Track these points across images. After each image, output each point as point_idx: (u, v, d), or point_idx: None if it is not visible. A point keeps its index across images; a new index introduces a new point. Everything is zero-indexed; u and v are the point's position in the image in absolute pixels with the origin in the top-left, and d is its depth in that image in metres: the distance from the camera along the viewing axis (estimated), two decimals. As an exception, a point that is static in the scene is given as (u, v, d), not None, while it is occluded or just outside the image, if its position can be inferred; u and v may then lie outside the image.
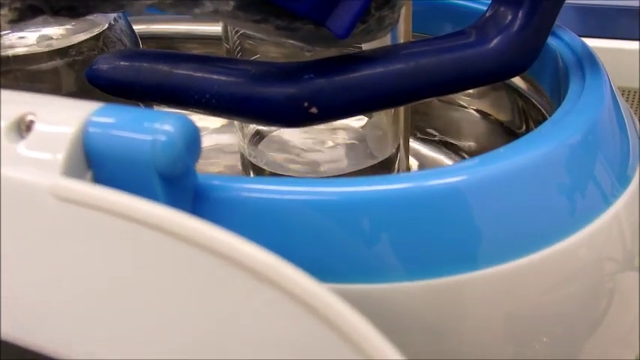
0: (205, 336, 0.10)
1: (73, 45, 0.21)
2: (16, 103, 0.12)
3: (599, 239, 0.15)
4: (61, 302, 0.11)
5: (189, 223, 0.09)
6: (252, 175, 0.22)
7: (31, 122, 0.12)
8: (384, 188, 0.13)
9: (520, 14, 0.16)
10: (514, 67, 0.16)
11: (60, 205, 0.10)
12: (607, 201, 0.15)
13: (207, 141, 0.30)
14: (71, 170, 0.11)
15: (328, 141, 0.22)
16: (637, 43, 0.38)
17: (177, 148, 0.11)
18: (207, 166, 0.28)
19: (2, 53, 0.20)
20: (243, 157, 0.22)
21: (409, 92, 0.15)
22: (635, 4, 0.39)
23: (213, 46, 0.32)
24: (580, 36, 0.21)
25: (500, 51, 0.16)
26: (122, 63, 0.18)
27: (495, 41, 0.16)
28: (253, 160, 0.21)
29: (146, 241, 0.10)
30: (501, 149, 0.15)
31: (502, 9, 0.16)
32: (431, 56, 0.15)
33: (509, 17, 0.16)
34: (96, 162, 0.11)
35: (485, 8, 0.23)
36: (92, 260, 0.10)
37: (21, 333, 0.11)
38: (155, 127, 0.11)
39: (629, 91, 0.40)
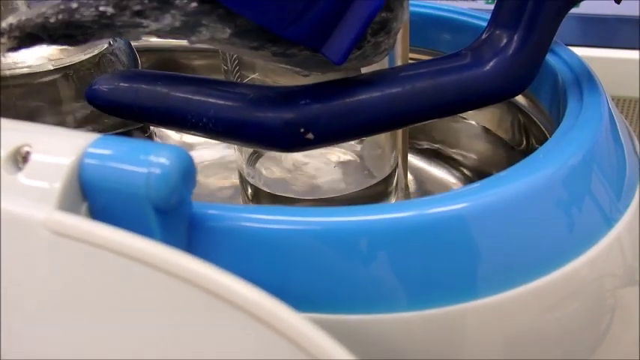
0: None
1: (71, 65, 0.21)
2: (12, 133, 0.12)
3: (601, 260, 0.15)
4: (54, 334, 0.11)
5: (179, 261, 0.09)
6: (249, 192, 0.22)
7: (28, 153, 0.12)
8: (385, 217, 0.13)
9: (516, 37, 0.16)
10: (509, 90, 0.16)
11: (54, 238, 0.10)
12: (608, 223, 0.15)
13: (207, 155, 0.30)
14: (66, 202, 0.11)
15: (326, 160, 0.22)
16: (637, 52, 0.38)
17: (171, 182, 0.11)
18: (211, 181, 0.28)
19: (1, 73, 0.20)
20: (241, 176, 0.22)
21: (406, 116, 0.15)
22: (635, 13, 0.39)
23: (215, 58, 0.32)
24: (580, 45, 0.21)
25: (496, 74, 0.16)
26: (121, 84, 0.18)
27: (491, 64, 0.16)
28: (251, 180, 0.21)
29: (138, 277, 0.10)
30: (502, 173, 0.14)
31: (498, 32, 0.16)
32: (427, 79, 0.15)
33: (505, 40, 0.16)
34: (92, 193, 0.11)
35: (481, 23, 0.23)
36: (85, 294, 0.10)
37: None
38: (150, 159, 0.11)
39: (629, 101, 0.40)
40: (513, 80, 0.16)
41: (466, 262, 0.13)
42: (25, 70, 0.21)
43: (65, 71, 0.21)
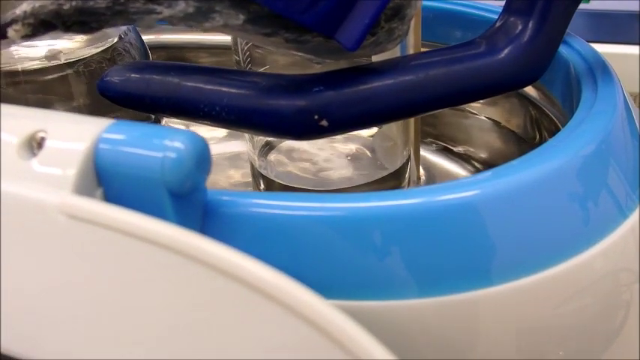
0: (211, 351, 0.10)
1: (82, 58, 0.21)
2: (26, 119, 0.12)
3: (616, 252, 0.15)
4: (70, 319, 0.11)
5: (196, 242, 0.09)
6: (262, 185, 0.22)
7: (43, 139, 0.12)
8: (396, 204, 0.13)
9: (530, 24, 0.16)
10: (524, 78, 0.16)
11: (69, 222, 0.10)
12: (623, 213, 0.15)
13: (218, 149, 0.30)
14: (82, 187, 0.11)
15: (338, 151, 0.22)
16: (637, 47, 0.38)
17: (186, 166, 0.11)
18: (219, 176, 0.28)
19: (12, 67, 0.20)
20: (253, 168, 0.22)
21: (419, 104, 0.15)
22: (636, 8, 0.39)
23: (223, 55, 0.32)
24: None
25: (510, 62, 0.16)
26: (133, 75, 0.18)
27: (505, 52, 0.16)
28: (263, 172, 0.21)
29: (155, 260, 0.10)
30: (514, 162, 0.14)
31: (512, 19, 0.16)
32: (440, 67, 0.15)
33: (520, 27, 0.16)
34: (106, 178, 0.11)
35: (492, 16, 0.23)
36: (101, 278, 0.10)
37: (29, 349, 0.11)
38: (165, 144, 0.11)
39: (632, 97, 0.40)
40: (528, 68, 0.16)
41: (477, 250, 0.13)
42: (37, 65, 0.21)
43: (76, 65, 0.21)
